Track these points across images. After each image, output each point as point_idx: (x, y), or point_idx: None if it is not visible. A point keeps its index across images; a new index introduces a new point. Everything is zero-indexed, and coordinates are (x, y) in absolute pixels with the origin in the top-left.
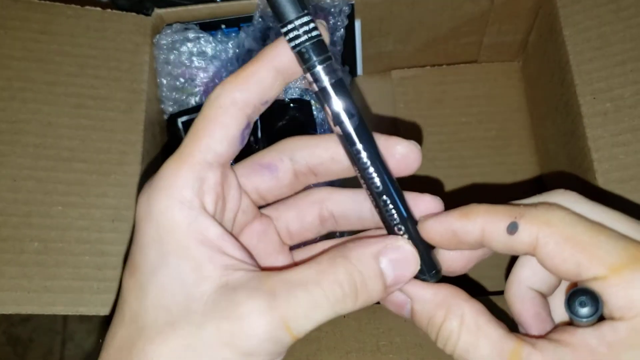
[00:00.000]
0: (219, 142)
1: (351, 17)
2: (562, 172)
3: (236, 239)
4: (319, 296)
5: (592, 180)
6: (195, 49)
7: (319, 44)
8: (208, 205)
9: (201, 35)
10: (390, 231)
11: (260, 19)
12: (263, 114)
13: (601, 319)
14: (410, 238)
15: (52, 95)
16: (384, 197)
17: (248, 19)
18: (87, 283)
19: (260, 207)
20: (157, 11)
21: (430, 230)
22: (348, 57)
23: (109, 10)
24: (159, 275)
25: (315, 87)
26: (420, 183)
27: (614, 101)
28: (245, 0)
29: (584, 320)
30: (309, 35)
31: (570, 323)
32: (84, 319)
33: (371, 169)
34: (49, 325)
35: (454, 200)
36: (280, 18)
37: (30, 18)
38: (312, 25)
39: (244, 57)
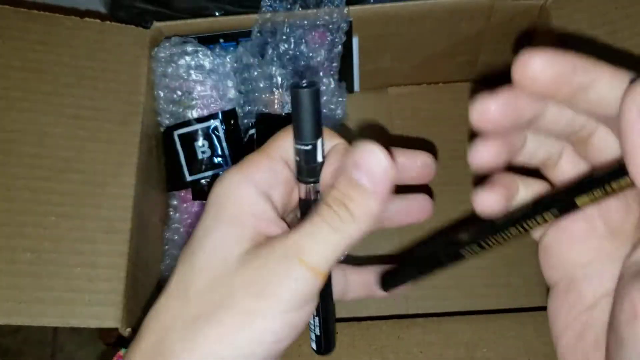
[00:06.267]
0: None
1: (349, 34)
2: None
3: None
4: (317, 222)
5: None
6: (193, 63)
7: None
8: (274, 196)
9: (199, 48)
10: None
11: (258, 34)
12: (259, 126)
13: None
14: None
15: (49, 105)
16: None
17: (246, 34)
18: (79, 295)
19: None
20: (156, 24)
21: (539, 68)
22: (345, 73)
23: (108, 22)
24: (209, 239)
25: (303, 196)
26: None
27: None
28: (243, 15)
29: None
30: (320, 155)
31: None
32: (74, 331)
33: None
34: (39, 337)
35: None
36: (304, 136)
37: (29, 28)
38: (323, 147)
39: (242, 72)
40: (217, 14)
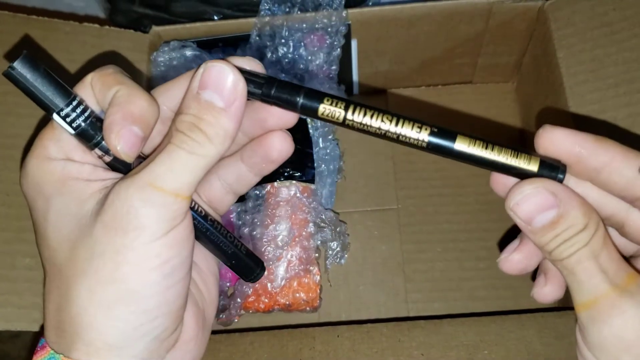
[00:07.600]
0: None
1: (348, 37)
2: None
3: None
4: (172, 149)
5: None
6: (192, 67)
7: (97, 121)
8: (79, 157)
9: (198, 53)
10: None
11: (257, 38)
12: None
13: None
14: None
15: None
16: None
17: (245, 38)
18: None
19: None
20: (155, 28)
21: (558, 139)
22: (344, 76)
23: (107, 27)
24: (50, 217)
25: (106, 159)
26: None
27: None
28: (242, 19)
29: None
30: (85, 115)
31: None
32: None
33: None
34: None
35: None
36: (49, 108)
37: (28, 33)
38: (84, 105)
39: None
40: (215, 18)
